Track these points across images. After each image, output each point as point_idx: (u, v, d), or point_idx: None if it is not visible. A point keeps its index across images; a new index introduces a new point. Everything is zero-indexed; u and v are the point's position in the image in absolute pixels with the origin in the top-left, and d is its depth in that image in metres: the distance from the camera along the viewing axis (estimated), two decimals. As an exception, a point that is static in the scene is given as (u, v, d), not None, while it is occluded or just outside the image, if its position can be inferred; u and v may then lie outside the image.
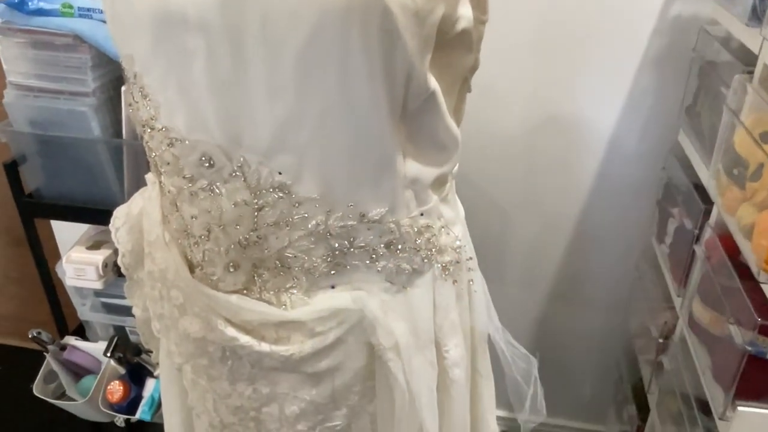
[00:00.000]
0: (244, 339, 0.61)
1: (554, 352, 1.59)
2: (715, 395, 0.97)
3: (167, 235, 0.65)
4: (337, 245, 0.58)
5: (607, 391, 1.62)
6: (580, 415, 1.70)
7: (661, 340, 1.24)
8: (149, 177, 0.69)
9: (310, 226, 0.57)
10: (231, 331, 0.61)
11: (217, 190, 0.56)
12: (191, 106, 0.53)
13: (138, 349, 1.31)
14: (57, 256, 1.37)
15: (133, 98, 0.59)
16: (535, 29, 1.26)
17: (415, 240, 0.61)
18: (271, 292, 0.61)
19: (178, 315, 0.65)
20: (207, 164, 0.55)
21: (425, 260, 0.63)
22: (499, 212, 1.42)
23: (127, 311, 1.32)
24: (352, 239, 0.58)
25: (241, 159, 0.54)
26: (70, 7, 1.04)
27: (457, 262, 0.66)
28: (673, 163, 1.27)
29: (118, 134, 1.11)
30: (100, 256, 1.23)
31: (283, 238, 0.58)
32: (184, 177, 0.57)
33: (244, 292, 0.62)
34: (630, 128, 1.33)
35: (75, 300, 1.33)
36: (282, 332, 0.62)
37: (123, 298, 1.33)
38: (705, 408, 1.04)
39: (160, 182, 0.64)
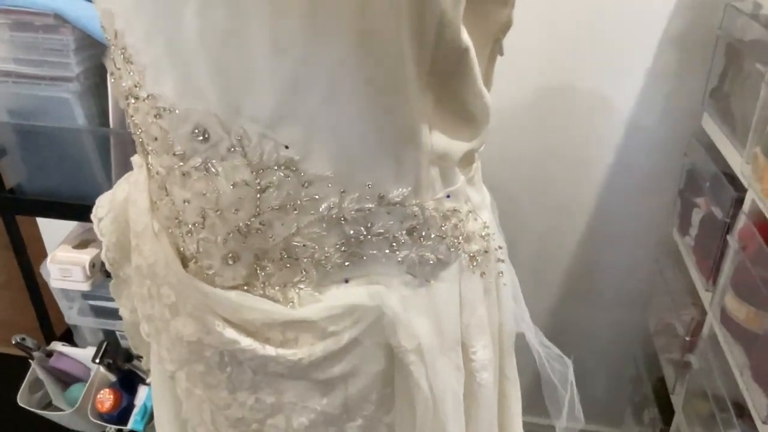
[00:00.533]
0: (246, 342, 0.53)
1: (566, 350, 1.51)
2: (756, 397, 0.89)
3: (156, 225, 0.57)
4: (352, 232, 0.50)
5: (624, 391, 1.55)
6: (594, 416, 1.62)
7: (687, 338, 1.16)
8: (135, 159, 0.61)
9: (321, 209, 0.49)
10: (230, 333, 0.53)
11: (213, 169, 0.48)
12: (181, 66, 0.45)
13: (129, 355, 1.23)
14: (44, 257, 1.28)
15: (115, 64, 0.52)
16: (550, 9, 1.19)
17: (441, 226, 0.53)
18: (277, 288, 0.53)
19: (170, 316, 0.57)
20: (201, 138, 0.47)
21: (451, 249, 0.55)
22: (510, 203, 1.35)
23: (117, 314, 1.23)
24: (369, 225, 0.50)
25: (241, 130, 0.46)
26: (51, -16, 0.96)
27: (486, 252, 0.58)
28: (696, 150, 1.20)
29: (105, 123, 1.03)
30: (87, 256, 1.15)
31: (290, 224, 0.50)
32: (174, 154, 0.49)
33: (245, 287, 0.54)
34: (648, 114, 1.26)
35: (61, 303, 1.25)
36: (289, 333, 0.54)
37: (112, 300, 1.26)
38: (741, 410, 0.97)
39: (148, 164, 0.56)
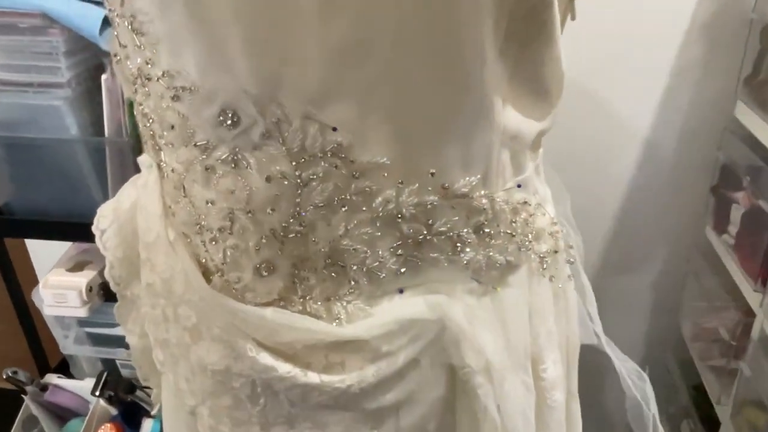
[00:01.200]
0: (284, 368, 0.45)
1: (593, 360, 1.43)
2: (829, 405, 0.81)
3: (171, 233, 0.48)
4: (410, 231, 0.42)
5: (658, 401, 1.46)
6: (626, 428, 1.54)
7: (734, 343, 1.08)
8: (143, 159, 0.52)
9: (375, 205, 0.41)
10: (265, 359, 0.45)
11: (244, 161, 0.40)
12: (207, 34, 0.36)
13: (131, 386, 1.14)
14: (35, 283, 1.19)
15: (119, 42, 0.43)
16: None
17: (511, 221, 0.45)
18: (319, 302, 0.45)
19: (191, 341, 0.48)
20: (229, 122, 0.39)
21: (521, 249, 0.47)
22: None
23: (117, 342, 1.15)
24: (430, 222, 0.42)
25: (279, 111, 0.38)
26: (36, -18, 0.87)
27: (555, 252, 0.50)
28: (731, 142, 1.13)
29: (100, 132, 0.95)
30: (83, 279, 1.06)
31: (336, 224, 0.41)
32: (195, 145, 0.41)
33: (282, 303, 0.45)
34: (675, 106, 1.19)
35: (56, 332, 1.15)
36: (334, 356, 0.45)
37: (112, 326, 1.17)
38: (806, 420, 0.89)
39: (160, 162, 0.47)
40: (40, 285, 1.05)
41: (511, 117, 0.42)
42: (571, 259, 0.52)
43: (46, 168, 0.97)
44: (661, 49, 1.15)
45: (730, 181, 1.14)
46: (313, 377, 0.45)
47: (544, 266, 0.49)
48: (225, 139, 0.40)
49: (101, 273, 1.07)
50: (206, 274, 0.47)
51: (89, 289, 1.05)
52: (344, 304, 0.44)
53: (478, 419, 0.48)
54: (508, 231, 0.45)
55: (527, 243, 0.47)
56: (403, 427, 0.49)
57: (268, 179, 0.40)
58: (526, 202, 0.46)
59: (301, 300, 0.45)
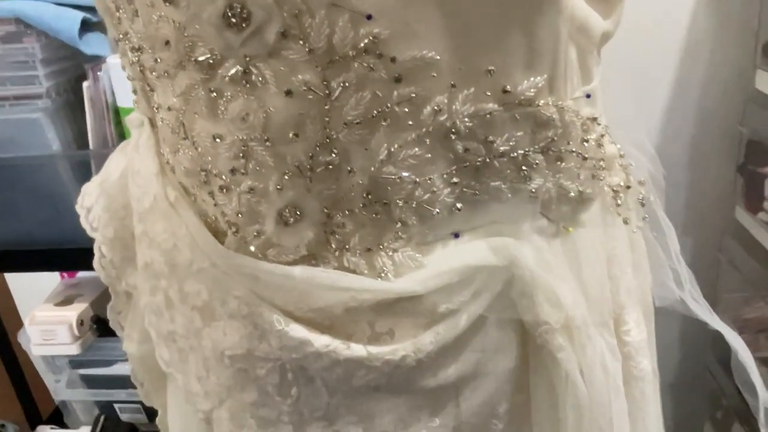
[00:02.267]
0: (321, 341, 0.36)
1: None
2: None
3: (171, 193, 0.40)
4: (467, 151, 0.34)
5: (701, 406, 1.36)
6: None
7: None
8: (131, 118, 0.45)
9: (422, 117, 0.33)
10: (297, 331, 0.36)
11: (257, 74, 0.32)
12: None
13: (133, 429, 1.03)
14: (19, 325, 1.09)
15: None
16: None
17: (582, 140, 0.37)
18: (359, 254, 0.36)
19: (202, 323, 0.40)
20: (236, 20, 0.31)
21: (594, 177, 0.39)
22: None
23: (114, 382, 1.05)
24: (490, 139, 0.34)
25: (298, 1, 0.30)
26: (8, -14, 0.81)
27: (628, 188, 0.42)
28: (755, 115, 1.06)
29: (84, 146, 0.87)
30: (73, 312, 0.96)
31: (377, 147, 0.33)
32: (196, 63, 0.33)
33: (313, 261, 0.37)
34: (689, 84, 1.13)
35: (46, 376, 1.05)
36: (381, 323, 0.37)
37: (108, 364, 1.06)
38: None
39: (153, 107, 0.39)
40: (26, 322, 0.95)
41: (578, 1, 0.34)
42: (643, 199, 0.44)
43: (26, 190, 0.89)
44: (669, 26, 1.10)
45: (759, 157, 1.08)
46: (358, 350, 0.36)
47: (619, 202, 0.41)
48: (233, 45, 0.32)
49: (93, 304, 0.98)
50: (217, 236, 0.38)
51: (80, 323, 0.95)
52: (390, 253, 0.36)
53: (557, 393, 0.39)
54: (580, 151, 0.37)
55: (599, 170, 0.39)
56: (468, 410, 0.40)
57: (288, 93, 0.32)
58: (596, 119, 0.38)
59: (337, 253, 0.36)
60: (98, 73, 0.82)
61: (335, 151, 0.33)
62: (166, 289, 0.42)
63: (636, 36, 1.06)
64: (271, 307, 0.37)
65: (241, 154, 0.34)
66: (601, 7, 0.37)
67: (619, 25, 0.39)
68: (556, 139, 0.36)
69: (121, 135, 0.85)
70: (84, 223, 0.48)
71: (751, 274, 1.11)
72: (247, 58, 0.32)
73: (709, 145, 1.17)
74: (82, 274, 1.07)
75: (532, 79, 0.34)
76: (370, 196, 0.35)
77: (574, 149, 0.37)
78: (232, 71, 0.33)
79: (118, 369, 1.02)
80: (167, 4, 0.32)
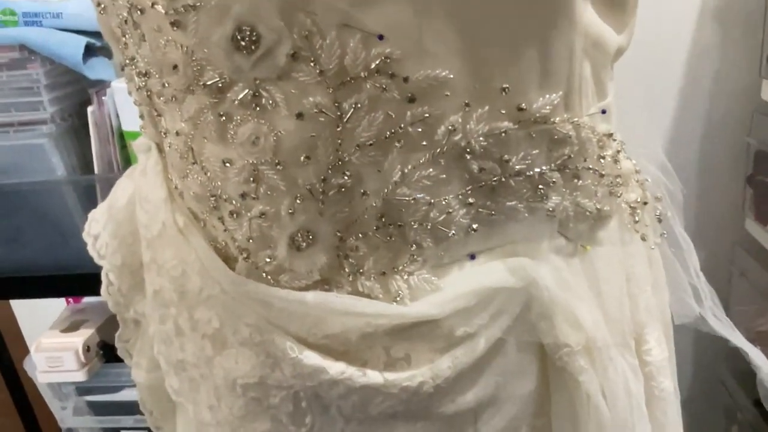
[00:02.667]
0: (336, 369, 0.35)
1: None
2: None
3: (180, 218, 0.39)
4: (482, 171, 0.34)
5: (716, 421, 1.33)
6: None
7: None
8: (138, 144, 0.44)
9: (437, 137, 0.32)
10: (311, 358, 0.35)
11: (267, 97, 0.32)
12: None
13: (140, 456, 1.01)
14: (25, 353, 1.08)
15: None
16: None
17: (599, 156, 0.37)
18: (373, 278, 0.35)
19: (213, 352, 0.39)
20: (246, 42, 0.30)
21: (611, 194, 0.38)
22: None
23: (122, 408, 1.03)
24: (505, 158, 0.34)
25: (308, 22, 0.30)
26: (12, 13, 0.82)
27: (645, 204, 0.41)
28: (763, 126, 1.06)
29: (89, 170, 0.87)
30: (79, 338, 0.95)
31: (390, 168, 0.33)
32: (204, 87, 0.32)
33: (326, 286, 0.36)
34: (695, 96, 1.13)
35: (52, 404, 1.04)
36: (397, 347, 0.36)
37: (115, 390, 1.05)
38: None
39: (161, 132, 0.39)
40: (32, 349, 0.94)
41: (592, 16, 0.34)
42: (660, 214, 0.43)
43: (31, 216, 0.88)
44: (674, 39, 1.09)
45: (767, 167, 1.07)
46: (374, 376, 0.35)
47: (636, 218, 0.40)
48: (242, 69, 0.31)
49: (100, 330, 0.97)
50: (227, 262, 0.37)
51: (86, 349, 0.94)
52: (405, 276, 0.35)
53: (578, 417, 0.38)
54: (596, 168, 0.36)
55: (616, 187, 0.38)
56: (487, 436, 0.38)
57: (299, 116, 0.32)
58: (611, 135, 0.37)
59: (350, 278, 0.35)
60: (103, 98, 0.82)
61: (348, 173, 0.33)
62: (175, 316, 0.41)
63: (640, 49, 1.06)
64: (283, 334, 0.36)
65: (251, 179, 0.34)
66: (614, 22, 0.36)
67: (631, 39, 0.39)
68: (572, 156, 0.35)
69: (127, 159, 0.84)
70: (91, 250, 0.47)
71: (764, 285, 1.10)
72: (257, 81, 0.32)
73: (718, 157, 1.16)
74: (88, 300, 1.06)
75: (547, 96, 0.33)
76: (383, 219, 0.34)
77: (590, 166, 0.36)
78: (242, 95, 0.32)
79: (126, 395, 1.01)
80: (175, 28, 0.32)
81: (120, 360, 0.55)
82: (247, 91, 0.32)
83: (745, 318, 1.18)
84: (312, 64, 0.31)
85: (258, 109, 0.32)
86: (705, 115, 1.14)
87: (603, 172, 0.37)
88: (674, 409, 0.45)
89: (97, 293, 0.50)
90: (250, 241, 0.35)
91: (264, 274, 0.36)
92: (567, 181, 0.36)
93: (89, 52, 0.82)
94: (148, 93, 0.37)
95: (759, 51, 1.04)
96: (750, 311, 1.17)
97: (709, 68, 1.11)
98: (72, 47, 0.80)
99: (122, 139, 0.84)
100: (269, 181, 0.33)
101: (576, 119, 0.34)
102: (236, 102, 0.32)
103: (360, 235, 0.34)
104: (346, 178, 0.33)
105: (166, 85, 0.35)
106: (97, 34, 0.82)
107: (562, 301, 0.36)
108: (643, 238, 0.42)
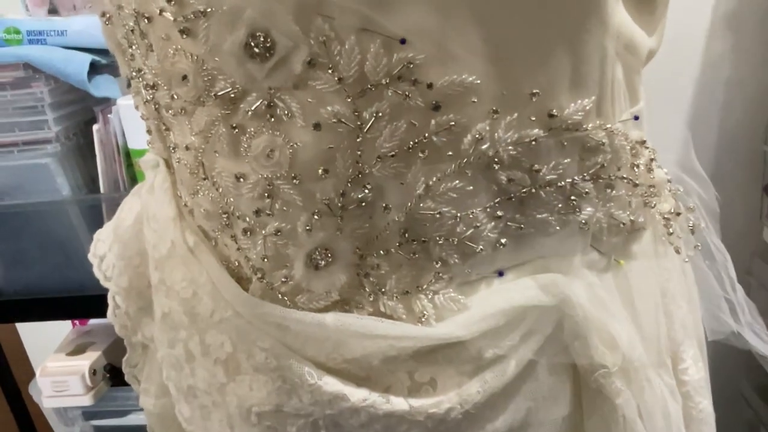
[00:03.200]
0: (359, 395, 0.33)
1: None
2: None
3: (190, 237, 0.37)
4: (511, 182, 0.32)
5: (737, 437, 1.30)
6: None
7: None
8: (146, 160, 0.42)
9: (463, 146, 0.30)
10: (331, 384, 0.33)
11: (282, 107, 0.30)
12: None
13: (148, 482, 0.98)
14: (31, 376, 1.05)
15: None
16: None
17: (632, 165, 0.35)
18: (396, 298, 0.33)
19: (225, 378, 0.37)
20: (259, 50, 0.29)
21: (646, 205, 0.36)
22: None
23: (128, 432, 1.01)
24: (535, 168, 0.32)
25: (326, 27, 0.28)
26: (17, 32, 0.81)
27: (678, 215, 0.39)
28: (779, 133, 1.04)
29: (94, 190, 0.85)
30: (85, 362, 0.93)
31: (413, 181, 0.31)
32: (216, 98, 0.31)
33: (346, 307, 0.34)
34: (709, 106, 1.11)
35: (58, 429, 1.01)
36: (422, 371, 0.34)
37: (122, 414, 1.03)
38: None
39: (169, 147, 0.37)
40: (38, 373, 0.92)
41: (624, 17, 0.32)
42: (692, 225, 0.41)
43: (36, 237, 0.86)
44: (685, 48, 1.08)
45: (785, 175, 1.04)
46: (398, 403, 0.33)
47: (671, 231, 0.38)
48: (256, 78, 0.29)
49: (106, 353, 0.95)
50: (240, 282, 0.35)
51: (93, 373, 0.92)
52: (430, 295, 0.33)
53: (617, 441, 0.36)
54: (630, 178, 0.34)
55: (651, 197, 0.36)
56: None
57: (316, 127, 0.30)
58: (644, 142, 0.35)
59: (371, 298, 0.33)
60: (108, 116, 0.80)
61: (368, 186, 0.31)
62: (185, 340, 0.39)
63: (653, 59, 1.05)
64: (301, 359, 0.33)
65: (266, 194, 0.32)
66: (644, 24, 0.35)
67: (662, 41, 0.37)
68: (605, 165, 0.33)
69: (133, 177, 0.83)
70: (97, 272, 0.45)
71: (785, 297, 1.07)
72: (272, 91, 0.30)
73: (734, 167, 1.14)
74: (94, 321, 1.04)
75: (579, 101, 0.31)
76: (407, 234, 0.32)
77: (624, 175, 0.34)
78: (256, 105, 0.30)
79: (133, 419, 0.99)
80: (184, 36, 0.30)
81: (127, 383, 0.53)
82: (260, 101, 0.30)
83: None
84: (330, 71, 0.29)
85: (273, 120, 0.30)
86: (719, 125, 1.12)
87: (637, 182, 0.35)
88: (712, 430, 0.42)
89: (103, 315, 0.48)
90: (265, 260, 0.33)
91: (280, 295, 0.34)
92: (600, 192, 0.34)
93: (94, 69, 0.81)
94: (156, 106, 0.35)
95: (773, 57, 1.02)
96: (770, 323, 1.14)
97: (722, 77, 1.09)
98: (77, 65, 0.79)
99: (128, 157, 0.82)
100: (285, 196, 0.32)
101: (609, 126, 0.33)
102: (249, 113, 0.30)
103: (381, 252, 0.32)
104: (366, 191, 0.31)
105: (175, 97, 0.33)
106: (101, 52, 0.81)
107: (596, 320, 0.34)
108: (677, 251, 0.39)
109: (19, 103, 0.80)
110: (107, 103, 0.83)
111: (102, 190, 0.83)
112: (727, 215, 1.21)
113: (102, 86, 0.81)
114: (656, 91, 1.07)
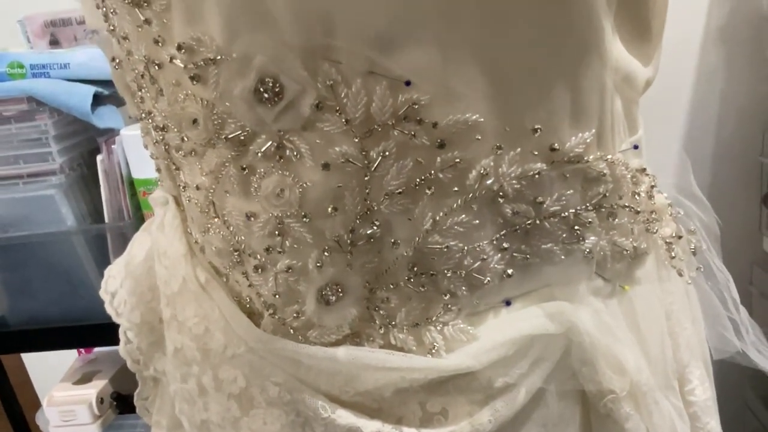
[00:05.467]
0: (372, 427, 0.33)
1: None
2: None
3: (202, 274, 0.38)
4: (516, 215, 0.32)
5: (745, 450, 1.30)
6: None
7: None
8: (155, 197, 0.43)
9: (468, 182, 0.31)
10: (345, 417, 0.33)
11: (292, 148, 0.31)
12: None
13: None
14: (37, 406, 1.05)
15: (119, 37, 0.35)
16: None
17: (633, 193, 0.35)
18: (406, 330, 0.34)
19: (240, 412, 0.37)
20: (269, 95, 0.29)
21: (648, 231, 0.37)
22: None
23: (136, 460, 1.01)
24: (539, 200, 0.32)
25: (333, 71, 0.29)
26: (20, 66, 0.82)
27: (679, 238, 0.40)
28: (775, 144, 1.05)
29: (99, 220, 0.86)
30: (92, 390, 0.93)
31: (421, 216, 0.31)
32: (226, 140, 0.31)
33: (357, 340, 0.34)
34: (704, 116, 1.12)
35: (65, 458, 1.01)
36: (433, 401, 0.34)
37: (129, 442, 1.03)
38: None
39: (179, 186, 0.38)
40: (44, 403, 0.92)
41: (621, 50, 0.33)
42: (693, 247, 0.42)
43: (41, 268, 0.87)
44: (679, 62, 1.09)
45: (783, 186, 1.05)
46: (409, 434, 0.33)
47: (673, 254, 0.39)
48: (265, 121, 0.30)
49: (113, 381, 0.95)
50: (252, 318, 0.36)
51: (100, 401, 0.92)
52: (439, 327, 0.34)
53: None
54: (632, 205, 0.35)
55: (652, 223, 0.37)
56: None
57: (325, 167, 0.30)
58: (644, 170, 0.36)
59: (382, 330, 0.34)
60: (112, 146, 0.81)
61: (377, 222, 0.32)
62: (198, 375, 0.39)
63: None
64: (314, 393, 0.34)
65: (276, 232, 0.33)
66: (640, 55, 0.35)
67: (658, 70, 0.38)
68: (607, 195, 0.34)
69: (137, 207, 0.83)
70: (108, 308, 0.46)
71: (787, 306, 1.07)
72: (281, 133, 0.31)
73: (731, 178, 1.15)
74: (99, 349, 1.04)
75: (580, 134, 0.32)
76: (415, 268, 0.33)
77: (626, 204, 0.35)
78: (265, 147, 0.31)
79: (140, 447, 0.99)
80: (195, 82, 0.31)
81: (134, 410, 0.53)
82: (270, 143, 0.31)
83: (768, 340, 1.16)
84: (337, 113, 0.30)
85: (282, 160, 0.31)
86: (715, 137, 1.13)
87: (638, 209, 0.36)
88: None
89: (109, 343, 0.48)
90: (277, 296, 0.34)
91: (292, 330, 0.34)
92: (603, 221, 0.34)
93: (97, 101, 0.82)
94: (166, 147, 0.36)
95: (766, 69, 1.04)
96: (773, 332, 1.14)
97: (716, 88, 1.11)
98: (80, 97, 0.80)
99: (132, 186, 0.83)
100: (295, 234, 0.32)
101: (609, 156, 0.33)
102: (259, 154, 0.31)
103: (391, 285, 0.33)
104: (375, 227, 0.32)
105: (186, 139, 0.34)
106: (104, 83, 0.82)
107: (603, 346, 0.34)
108: (680, 273, 0.40)
109: (23, 136, 0.81)
110: (111, 133, 0.84)
111: (106, 219, 0.84)
112: (726, 226, 1.22)
113: (105, 117, 0.82)
114: (651, 105, 1.08)
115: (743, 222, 1.16)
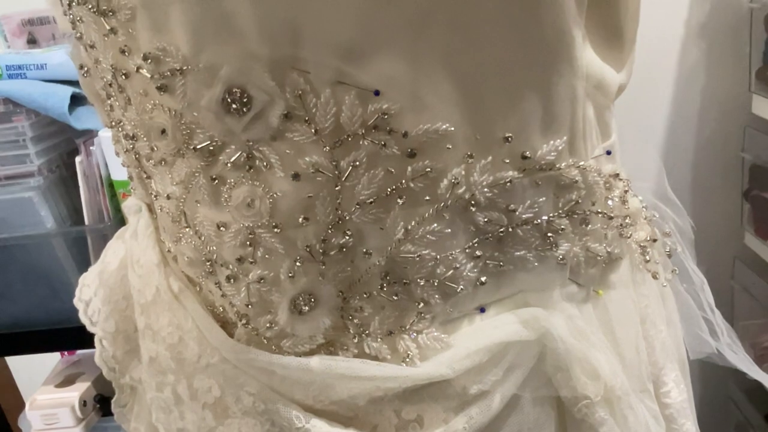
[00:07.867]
0: (346, 437, 0.33)
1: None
2: None
3: (175, 283, 0.37)
4: (488, 222, 0.32)
5: (727, 440, 1.31)
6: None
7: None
8: (128, 204, 0.43)
9: (439, 190, 0.31)
10: (318, 427, 0.33)
11: (261, 158, 0.30)
12: None
13: None
14: (21, 405, 1.05)
15: (86, 44, 0.34)
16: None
17: (606, 198, 0.35)
18: (380, 339, 0.34)
19: (214, 421, 0.37)
20: (237, 105, 0.29)
21: (621, 235, 0.37)
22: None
23: (120, 463, 1.00)
24: (511, 207, 0.32)
25: (301, 80, 0.29)
26: (-4, 67, 0.80)
27: (654, 241, 0.40)
28: (756, 140, 1.06)
29: (79, 221, 0.85)
30: (75, 393, 0.92)
31: (393, 226, 0.31)
32: (195, 150, 0.31)
33: (331, 349, 0.34)
34: (685, 115, 1.13)
35: (49, 461, 1.00)
36: (408, 409, 0.34)
37: (113, 444, 1.02)
38: None
39: (150, 194, 0.37)
40: (27, 407, 0.91)
41: (592, 58, 0.33)
42: (668, 250, 0.42)
43: (21, 271, 0.86)
44: (660, 59, 1.10)
45: (763, 181, 1.06)
46: (385, 443, 0.33)
47: (647, 258, 0.39)
48: (234, 131, 0.30)
49: (96, 383, 0.94)
50: (225, 327, 0.36)
51: (83, 404, 0.91)
52: (413, 335, 0.34)
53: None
54: (605, 211, 0.35)
55: (626, 228, 0.37)
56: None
57: (295, 177, 0.30)
58: (618, 175, 0.36)
59: (356, 339, 0.34)
60: (91, 148, 0.80)
61: (349, 232, 0.31)
62: (173, 384, 0.39)
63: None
64: (288, 402, 0.34)
65: (248, 242, 0.32)
66: (613, 60, 0.35)
67: (631, 75, 0.38)
68: (580, 201, 0.34)
69: (117, 208, 0.83)
70: (83, 317, 0.46)
71: (766, 299, 1.09)
72: (250, 143, 0.30)
73: (713, 174, 1.16)
74: (82, 351, 1.03)
75: (551, 142, 0.32)
76: (388, 277, 0.32)
77: (599, 210, 0.35)
78: (235, 157, 0.31)
79: (124, 449, 0.98)
80: (162, 92, 0.30)
81: (118, 413, 0.53)
82: (239, 153, 0.31)
83: (749, 333, 1.17)
84: (307, 123, 0.29)
85: (252, 170, 0.31)
86: (696, 133, 1.14)
87: (611, 214, 0.36)
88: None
89: (91, 346, 0.48)
90: (249, 306, 0.34)
91: (265, 340, 0.34)
92: (576, 227, 0.34)
93: (75, 101, 0.81)
94: (137, 156, 0.36)
95: (747, 66, 1.04)
96: (754, 326, 1.16)
97: (697, 85, 1.11)
98: (57, 98, 0.79)
99: (111, 188, 0.82)
100: (267, 244, 0.32)
101: (582, 163, 0.33)
102: (229, 164, 0.31)
103: (364, 294, 0.33)
104: (347, 237, 0.31)
105: (155, 148, 0.33)
106: (82, 84, 0.81)
107: (577, 352, 0.34)
108: (655, 277, 0.40)
109: (0, 138, 0.80)
110: (89, 134, 0.83)
111: (86, 221, 0.83)
112: (708, 221, 1.24)
113: (83, 118, 0.81)
114: (633, 102, 1.10)
115: (725, 217, 1.17)
